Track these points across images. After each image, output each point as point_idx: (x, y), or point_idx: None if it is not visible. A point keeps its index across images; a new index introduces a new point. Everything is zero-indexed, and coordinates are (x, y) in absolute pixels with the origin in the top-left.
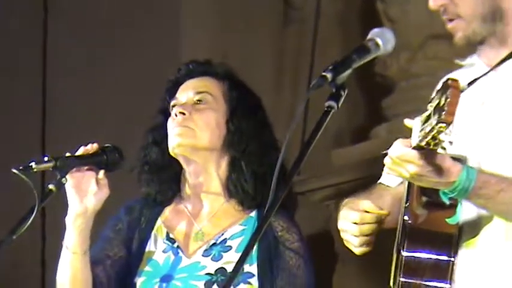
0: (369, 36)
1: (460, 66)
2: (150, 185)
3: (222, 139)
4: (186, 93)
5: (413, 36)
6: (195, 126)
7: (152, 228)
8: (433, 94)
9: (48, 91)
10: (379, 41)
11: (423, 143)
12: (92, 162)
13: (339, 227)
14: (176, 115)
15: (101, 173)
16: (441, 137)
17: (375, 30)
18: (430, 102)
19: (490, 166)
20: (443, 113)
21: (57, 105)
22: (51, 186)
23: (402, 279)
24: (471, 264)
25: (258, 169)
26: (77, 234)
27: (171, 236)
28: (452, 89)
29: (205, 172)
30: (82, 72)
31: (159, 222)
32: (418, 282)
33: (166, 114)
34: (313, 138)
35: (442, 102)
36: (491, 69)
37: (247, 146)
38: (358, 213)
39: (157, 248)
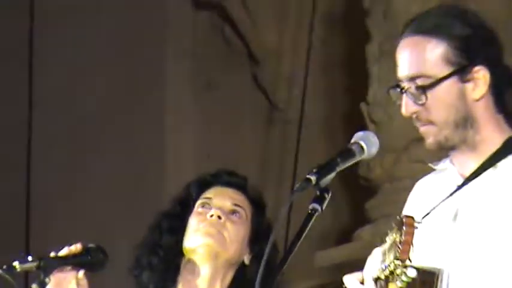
0: (353, 139)
1: (433, 170)
2: (153, 271)
3: (241, 258)
4: (223, 198)
5: (398, 139)
6: (227, 235)
7: None
8: (392, 227)
9: (32, 187)
10: (364, 145)
11: (382, 276)
12: (76, 262)
13: None
14: (212, 216)
15: (81, 273)
16: (398, 272)
17: (359, 134)
18: (387, 234)
19: (459, 281)
20: (399, 251)
21: (41, 201)
22: (34, 286)
23: None
24: None
25: None
26: None
27: None
28: (407, 227)
29: (211, 279)
30: (66, 170)
31: None
32: None
33: (184, 207)
34: (297, 241)
35: (398, 239)
36: (464, 184)
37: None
38: None
39: None
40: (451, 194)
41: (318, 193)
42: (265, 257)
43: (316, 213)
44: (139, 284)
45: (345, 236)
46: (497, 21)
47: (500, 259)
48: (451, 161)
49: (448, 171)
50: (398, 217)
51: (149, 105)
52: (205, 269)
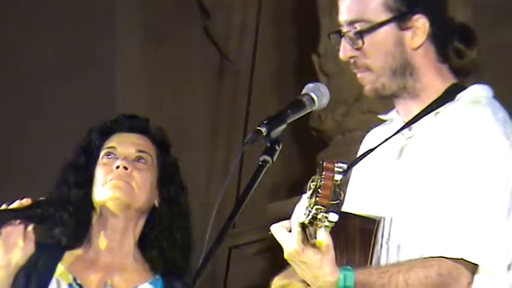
0: (304, 91)
1: (383, 121)
2: (64, 227)
3: (151, 203)
4: (126, 146)
5: (349, 90)
6: (135, 185)
7: (53, 272)
8: (315, 173)
9: None
10: (314, 96)
11: (307, 221)
12: (26, 215)
13: None
14: (118, 167)
15: (30, 227)
16: (320, 216)
17: (310, 85)
18: (312, 180)
19: (398, 225)
20: (318, 196)
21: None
22: None
23: None
24: None
25: (177, 238)
26: None
27: (79, 281)
28: (327, 172)
29: (124, 229)
30: (15, 123)
31: (60, 267)
32: None
33: (88, 156)
34: (248, 192)
35: (318, 184)
36: (405, 126)
37: (172, 215)
38: None
39: None
40: (390, 137)
41: (268, 145)
42: (213, 212)
43: (267, 165)
44: (51, 238)
45: (296, 188)
46: None
47: (430, 204)
48: (397, 111)
49: (394, 121)
50: (319, 162)
51: (100, 57)
52: (117, 221)
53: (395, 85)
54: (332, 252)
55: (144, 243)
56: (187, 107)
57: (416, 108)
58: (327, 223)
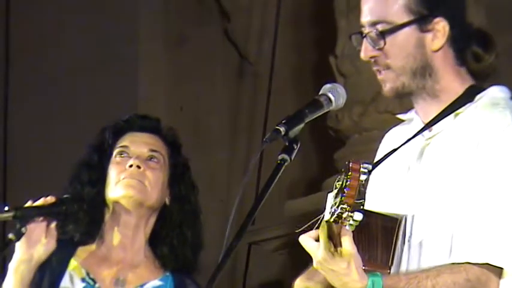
0: (321, 91)
1: (402, 121)
2: (78, 223)
3: (162, 201)
4: (139, 146)
5: (365, 90)
6: (148, 183)
7: (66, 267)
8: (341, 172)
9: (9, 140)
10: (331, 96)
11: (332, 220)
12: (50, 212)
13: None
14: (131, 166)
15: (53, 224)
16: (345, 215)
17: (327, 86)
18: (337, 180)
19: (420, 223)
20: (343, 196)
21: (18, 154)
22: (11, 236)
23: None
24: None
25: (187, 235)
26: (17, 280)
27: (92, 276)
28: (353, 172)
29: (136, 226)
30: (42, 122)
31: (74, 262)
32: None
33: (101, 154)
34: (267, 190)
35: (343, 184)
36: (425, 127)
37: (183, 213)
38: None
39: (74, 285)
40: (412, 138)
41: (287, 144)
42: (233, 210)
43: (286, 163)
44: (64, 234)
45: (313, 186)
46: None
47: (456, 201)
48: (416, 112)
49: (413, 122)
50: (346, 162)
51: (123, 59)
52: (129, 218)
53: (415, 85)
54: (358, 259)
55: (154, 241)
56: (208, 108)
57: (435, 108)
58: (351, 222)
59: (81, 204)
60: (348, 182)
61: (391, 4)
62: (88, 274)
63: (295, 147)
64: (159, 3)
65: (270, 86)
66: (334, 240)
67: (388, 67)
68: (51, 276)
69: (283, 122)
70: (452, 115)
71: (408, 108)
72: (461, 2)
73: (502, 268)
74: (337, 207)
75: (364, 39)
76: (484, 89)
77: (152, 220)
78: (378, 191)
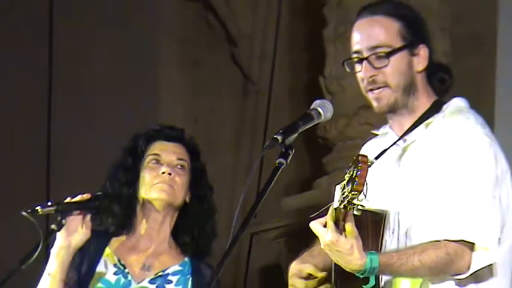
0: (312, 106)
1: (376, 135)
2: (114, 218)
3: (184, 200)
4: (169, 154)
5: (349, 106)
6: (177, 188)
7: (102, 254)
8: (350, 166)
9: (52, 144)
10: (320, 110)
11: (341, 206)
12: (86, 207)
13: None
14: (163, 172)
15: (88, 217)
16: (355, 201)
17: (317, 101)
18: (346, 173)
19: (405, 217)
20: (355, 183)
21: (59, 157)
22: (53, 226)
23: None
24: None
25: (206, 227)
26: (58, 264)
27: (122, 262)
28: (362, 164)
29: (162, 221)
30: (74, 132)
31: (108, 250)
32: None
33: (135, 158)
34: (267, 189)
35: (354, 174)
36: (400, 138)
37: (198, 210)
38: (302, 282)
39: (108, 270)
40: (389, 147)
41: (283, 150)
42: (239, 206)
43: (282, 166)
44: (101, 226)
45: (306, 185)
46: (430, 10)
47: (431, 198)
48: (390, 126)
49: (388, 135)
50: (354, 157)
51: (147, 78)
52: (158, 215)
53: (403, 101)
54: (360, 241)
55: (177, 232)
56: (217, 120)
57: (409, 122)
58: (359, 207)
59: (118, 201)
60: (359, 173)
61: (389, 32)
62: (119, 260)
63: (291, 152)
64: (176, 31)
65: (269, 101)
66: (338, 225)
67: (386, 84)
68: (89, 261)
69: (280, 131)
70: (423, 125)
71: (384, 121)
72: (429, 33)
73: (474, 243)
74: (349, 193)
75: (365, 62)
76: (447, 101)
77: (175, 215)
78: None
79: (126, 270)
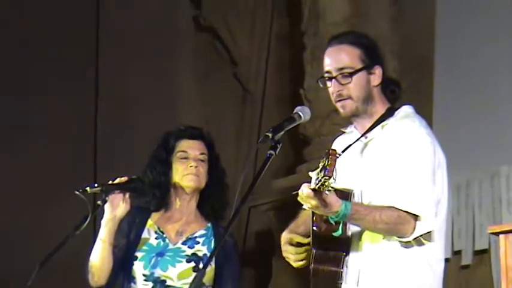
0: (295, 110)
1: (344, 133)
2: (155, 199)
3: (206, 183)
4: (193, 150)
5: (323, 110)
6: (202, 176)
7: (145, 224)
8: (323, 157)
9: (98, 133)
10: (301, 113)
11: (316, 187)
12: (124, 187)
13: (287, 256)
14: (191, 166)
15: (126, 195)
16: (326, 184)
17: (298, 107)
18: (320, 162)
19: (367, 194)
20: (326, 171)
21: (104, 146)
22: (99, 202)
23: (313, 266)
24: (358, 257)
25: (222, 200)
26: (107, 231)
27: (161, 230)
28: (332, 156)
29: (190, 198)
30: (116, 134)
31: (150, 221)
32: (322, 267)
33: (167, 151)
34: (260, 173)
35: (325, 163)
36: (362, 136)
37: (216, 188)
38: (293, 248)
39: (150, 236)
40: (355, 141)
41: (273, 144)
42: (239, 187)
43: (272, 156)
44: (144, 204)
45: (290, 171)
46: (383, 37)
47: (385, 180)
48: (355, 126)
49: (353, 133)
50: (326, 150)
51: (166, 91)
52: (187, 195)
53: (362, 109)
54: (334, 194)
55: (201, 204)
56: (222, 121)
57: (368, 123)
58: (330, 188)
59: (158, 187)
60: (329, 162)
61: (352, 57)
62: (159, 228)
63: (279, 146)
64: (192, 55)
65: (262, 108)
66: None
67: (349, 96)
68: (135, 230)
69: (270, 130)
70: (380, 126)
71: (349, 123)
72: (382, 56)
73: (417, 215)
74: (322, 178)
75: (334, 80)
76: (398, 108)
77: (199, 193)
78: (337, 176)
79: (164, 235)
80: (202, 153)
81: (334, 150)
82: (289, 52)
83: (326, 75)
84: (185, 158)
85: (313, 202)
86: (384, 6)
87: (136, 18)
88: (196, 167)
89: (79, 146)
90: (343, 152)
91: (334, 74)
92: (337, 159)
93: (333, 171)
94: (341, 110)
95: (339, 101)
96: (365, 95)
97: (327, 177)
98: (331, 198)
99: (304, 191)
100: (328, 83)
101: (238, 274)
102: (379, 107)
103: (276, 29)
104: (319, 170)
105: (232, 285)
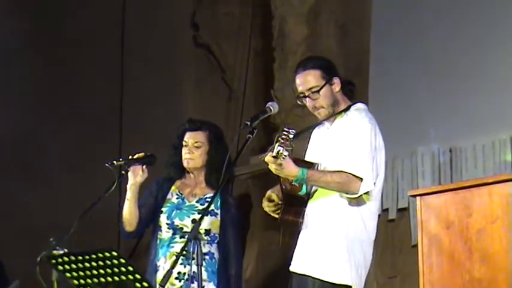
0: (267, 105)
1: (318, 124)
2: (175, 172)
3: (204, 162)
4: (190, 140)
5: (287, 105)
6: (197, 160)
7: (169, 189)
8: (280, 135)
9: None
10: (272, 107)
11: (274, 155)
12: (141, 161)
13: (265, 209)
14: (186, 152)
15: (144, 166)
16: (280, 152)
17: (270, 103)
18: (276, 137)
19: (328, 163)
20: (282, 142)
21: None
22: (123, 172)
23: (280, 216)
24: (313, 211)
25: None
26: (131, 194)
27: (181, 192)
28: (284, 134)
29: (198, 173)
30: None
31: (173, 187)
32: (287, 217)
33: (179, 140)
34: (241, 151)
35: (281, 138)
36: (328, 125)
37: (215, 165)
38: (267, 203)
39: (172, 197)
40: (314, 128)
41: (251, 129)
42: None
43: (250, 139)
44: (168, 175)
45: (263, 150)
46: (332, 53)
47: (339, 155)
48: (325, 120)
49: (324, 124)
50: (280, 129)
51: (176, 91)
52: (194, 170)
53: (333, 110)
54: (291, 161)
55: (207, 175)
56: (216, 115)
57: (333, 117)
58: (283, 156)
59: (175, 167)
60: (283, 136)
61: (315, 77)
62: (179, 191)
63: (255, 131)
64: (193, 65)
65: (243, 104)
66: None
67: (322, 106)
68: (162, 192)
69: (249, 120)
70: (339, 117)
71: (307, 116)
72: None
73: (362, 178)
74: (277, 148)
75: (308, 98)
76: (354, 103)
77: (204, 168)
78: (308, 151)
79: (183, 196)
80: (197, 141)
81: (288, 128)
82: (263, 63)
83: (301, 95)
84: (186, 145)
85: (273, 166)
86: (332, 28)
87: (155, 36)
88: (189, 153)
89: (107, 130)
90: (301, 132)
91: (306, 94)
92: (290, 136)
93: (285, 144)
94: (318, 117)
95: (315, 111)
96: (332, 101)
97: (281, 148)
98: (287, 164)
99: (266, 158)
100: (304, 100)
101: (238, 224)
102: (343, 105)
103: (254, 45)
104: (275, 144)
105: (232, 231)
